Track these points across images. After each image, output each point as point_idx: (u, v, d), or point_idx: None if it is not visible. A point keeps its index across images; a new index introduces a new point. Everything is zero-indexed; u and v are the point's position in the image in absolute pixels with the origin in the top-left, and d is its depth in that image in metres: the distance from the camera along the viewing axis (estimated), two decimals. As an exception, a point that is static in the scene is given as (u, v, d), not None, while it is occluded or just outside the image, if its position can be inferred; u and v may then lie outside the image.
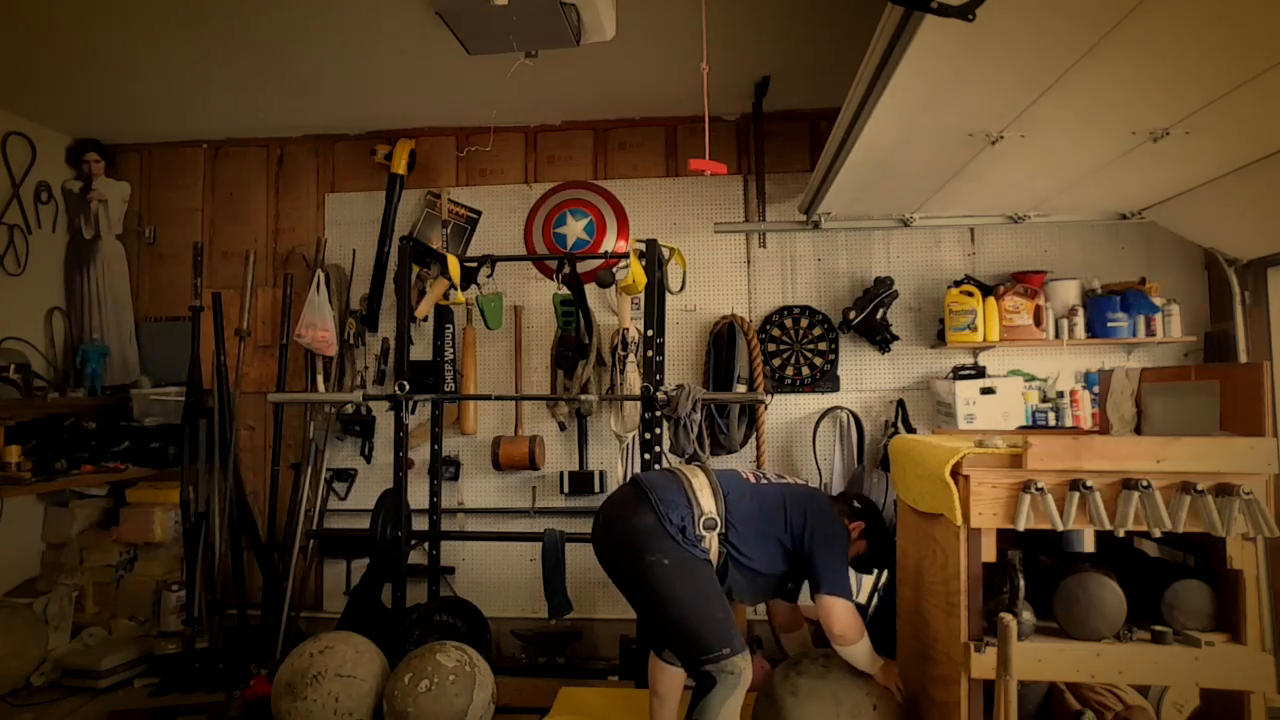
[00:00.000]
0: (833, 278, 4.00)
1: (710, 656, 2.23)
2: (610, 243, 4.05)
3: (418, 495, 3.86)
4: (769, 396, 3.87)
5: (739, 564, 2.38)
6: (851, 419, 3.86)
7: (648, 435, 3.20)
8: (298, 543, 3.96)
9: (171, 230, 4.39)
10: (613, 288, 3.58)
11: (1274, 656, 1.92)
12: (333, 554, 4.11)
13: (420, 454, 4.01)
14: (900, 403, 3.83)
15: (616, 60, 3.33)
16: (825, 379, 3.92)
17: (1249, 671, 1.93)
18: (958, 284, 3.70)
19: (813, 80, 3.61)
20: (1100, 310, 3.58)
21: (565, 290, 3.67)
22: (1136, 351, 3.73)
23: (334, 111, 4.02)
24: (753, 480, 2.52)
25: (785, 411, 3.97)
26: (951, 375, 3.67)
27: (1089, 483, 1.92)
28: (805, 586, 2.54)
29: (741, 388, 3.77)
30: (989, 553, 1.99)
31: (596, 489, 3.92)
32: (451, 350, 3.97)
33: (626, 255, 3.26)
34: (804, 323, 3.95)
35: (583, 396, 3.50)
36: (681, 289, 3.70)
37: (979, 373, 3.64)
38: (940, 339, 3.79)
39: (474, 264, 3.56)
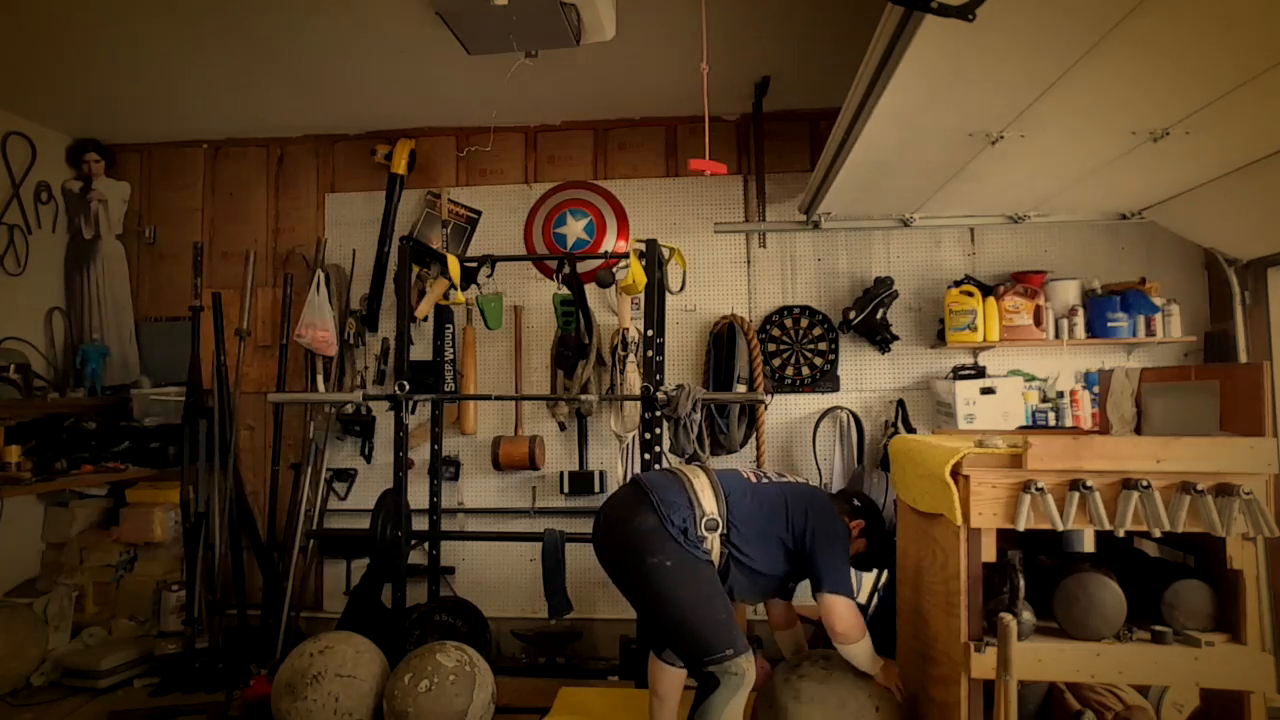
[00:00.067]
0: (833, 278, 4.00)
1: (714, 657, 2.23)
2: (610, 243, 4.05)
3: (418, 495, 3.86)
4: (769, 396, 3.88)
5: (741, 564, 2.38)
6: (851, 419, 3.86)
7: (648, 435, 3.20)
8: (298, 543, 3.96)
9: (171, 230, 4.39)
10: (613, 288, 3.58)
11: (1274, 656, 1.92)
12: (333, 554, 4.11)
13: (420, 454, 4.01)
14: (900, 403, 3.83)
15: (616, 60, 3.33)
16: (825, 379, 3.92)
17: (1249, 671, 1.93)
18: (958, 284, 3.70)
19: (813, 80, 3.61)
20: (1100, 310, 3.58)
21: (565, 290, 3.67)
22: (1136, 351, 3.73)
23: (334, 111, 4.02)
24: (753, 480, 2.51)
25: (785, 411, 3.97)
26: (951, 375, 3.67)
27: (1089, 483, 1.92)
28: (801, 585, 2.55)
29: (741, 388, 3.77)
30: (989, 553, 2.00)
31: (596, 489, 3.92)
32: (451, 350, 3.97)
33: (626, 255, 3.26)
34: (804, 323, 3.95)
35: (583, 396, 3.50)
36: (681, 289, 3.70)
37: (979, 373, 3.64)
38: (940, 339, 3.79)
39: (474, 264, 3.56)
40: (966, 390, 3.53)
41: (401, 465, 3.34)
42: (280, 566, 3.92)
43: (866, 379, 3.93)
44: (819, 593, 2.34)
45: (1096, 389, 3.44)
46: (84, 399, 4.04)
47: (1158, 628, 1.97)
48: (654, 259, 3.27)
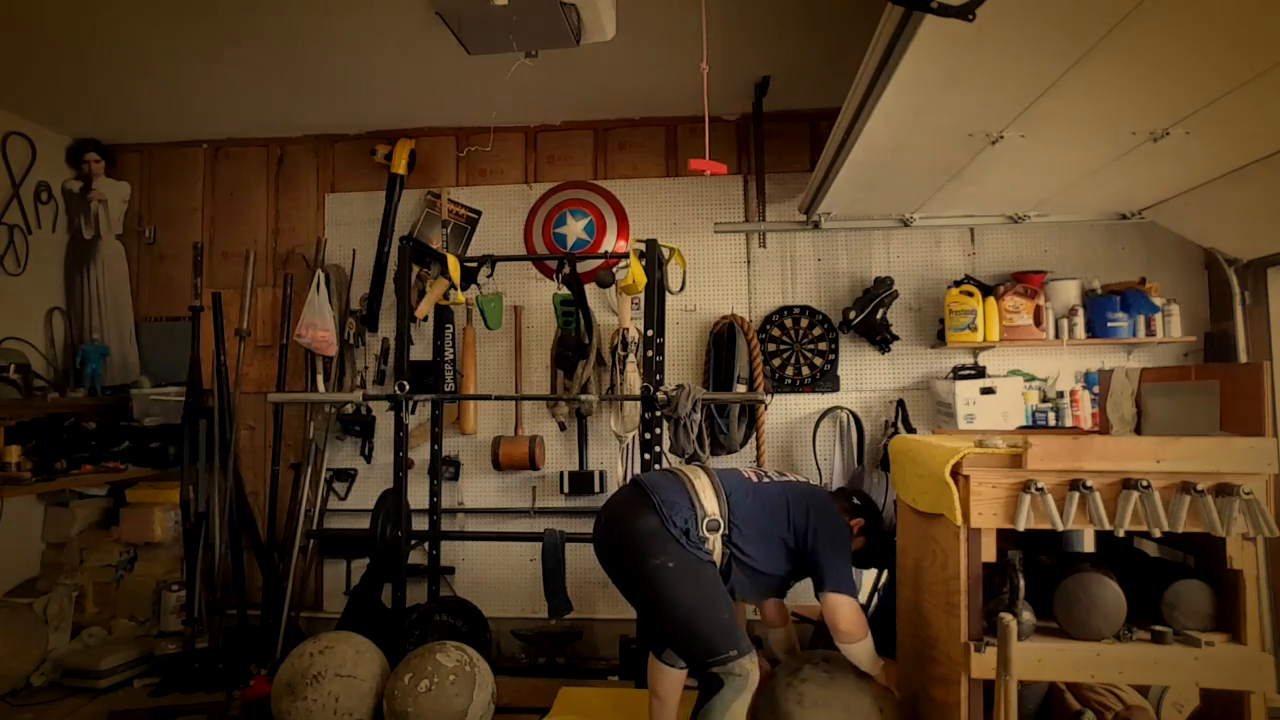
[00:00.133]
0: (833, 278, 4.00)
1: (717, 659, 2.22)
2: (610, 243, 4.05)
3: (418, 495, 3.86)
4: (769, 396, 3.88)
5: (742, 564, 2.38)
6: (851, 419, 3.86)
7: (648, 435, 3.20)
8: (298, 543, 3.96)
9: (171, 230, 4.39)
10: (613, 288, 3.58)
11: (1274, 656, 1.92)
12: (333, 554, 4.11)
13: (420, 454, 4.01)
14: (900, 403, 3.83)
15: (616, 60, 3.33)
16: (825, 379, 3.92)
17: (1249, 671, 1.93)
18: (958, 284, 3.70)
19: (813, 80, 3.61)
20: (1100, 310, 3.58)
21: (565, 290, 3.67)
22: (1136, 351, 3.73)
23: (334, 111, 4.02)
24: (754, 479, 2.51)
25: (785, 411, 3.97)
26: (951, 375, 3.67)
27: (1089, 483, 1.92)
28: (796, 584, 2.55)
29: (741, 388, 3.77)
30: (989, 553, 1.99)
31: (596, 489, 3.92)
32: (451, 350, 3.97)
33: (626, 255, 3.26)
34: (804, 323, 3.95)
35: (583, 396, 3.50)
36: (681, 289, 3.70)
37: (979, 373, 3.64)
38: (940, 339, 3.79)
39: (474, 264, 3.56)
40: (966, 390, 3.53)
41: (401, 465, 3.34)
42: (280, 566, 3.92)
43: (866, 379, 3.93)
44: (822, 592, 2.34)
45: (1096, 389, 3.44)
46: (84, 399, 4.04)
47: (1158, 628, 1.97)
48: (654, 259, 3.27)
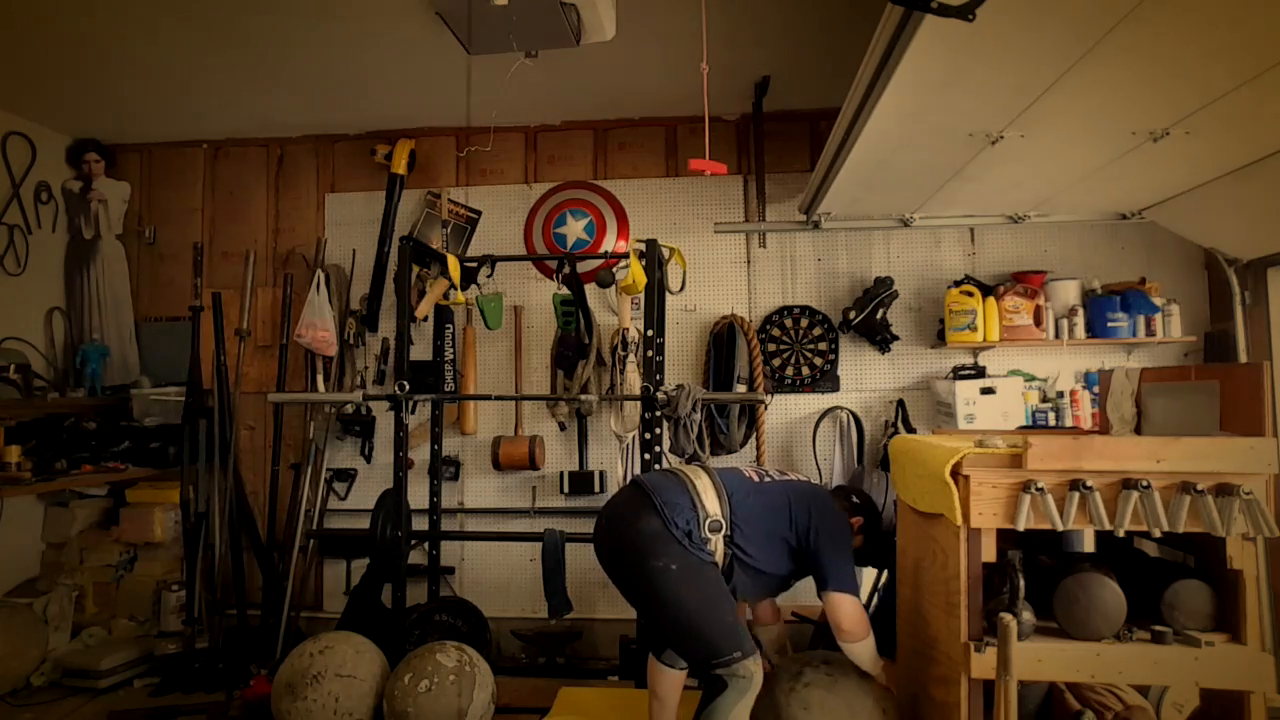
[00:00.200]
0: (833, 278, 4.00)
1: (721, 660, 2.22)
2: (610, 243, 4.05)
3: (418, 495, 3.86)
4: (769, 396, 3.88)
5: (745, 565, 2.37)
6: (851, 419, 3.86)
7: (648, 435, 3.20)
8: (298, 543, 3.96)
9: (171, 230, 4.39)
10: (613, 288, 3.58)
11: (1274, 656, 1.92)
12: (333, 554, 4.11)
13: (420, 454, 4.01)
14: (900, 403, 3.83)
15: (616, 60, 3.33)
16: (825, 379, 3.92)
17: (1249, 671, 1.93)
18: (958, 284, 3.70)
19: (813, 80, 3.61)
20: (1100, 310, 3.58)
21: (565, 290, 3.67)
22: (1136, 351, 3.73)
23: (334, 111, 4.02)
24: (755, 478, 2.50)
25: (785, 411, 3.97)
26: (951, 375, 3.67)
27: (1089, 483, 1.92)
28: (796, 583, 2.55)
29: (741, 388, 3.77)
30: (989, 553, 1.99)
31: (596, 489, 3.92)
32: (451, 350, 3.97)
33: (626, 255, 3.26)
34: (804, 323, 3.95)
35: (583, 396, 3.50)
36: (681, 289, 3.70)
37: (979, 373, 3.64)
38: (940, 339, 3.79)
39: (474, 264, 3.56)
40: (966, 390, 3.53)
41: (401, 465, 3.34)
42: (280, 566, 3.92)
43: (866, 379, 3.93)
44: (825, 591, 2.34)
45: (1096, 389, 3.44)
46: (84, 399, 4.04)
47: (1158, 628, 1.97)
48: (654, 259, 3.27)
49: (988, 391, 3.53)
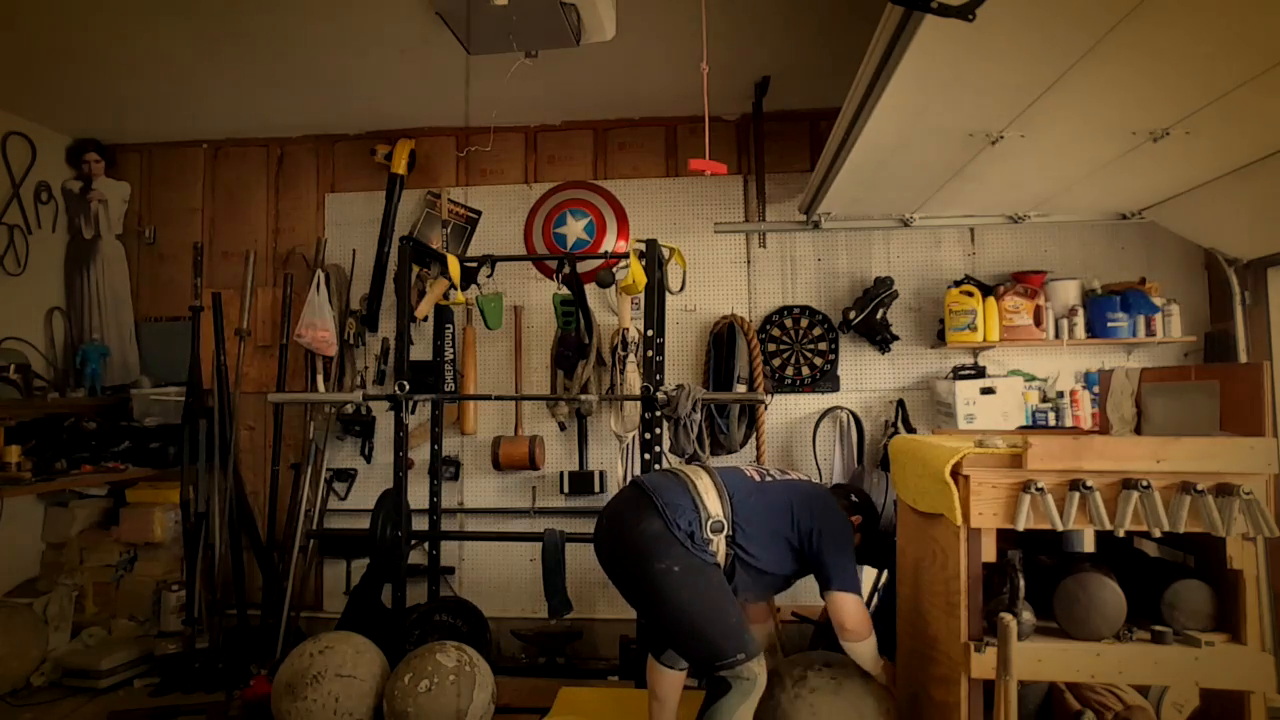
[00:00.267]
0: (833, 278, 4.00)
1: (725, 662, 2.21)
2: (610, 243, 4.05)
3: (418, 495, 3.86)
4: (769, 396, 3.87)
5: (747, 565, 2.36)
6: (851, 419, 3.86)
7: (648, 435, 3.20)
8: (298, 543, 3.96)
9: (171, 230, 4.39)
10: (613, 288, 3.58)
11: (1274, 656, 1.92)
12: (333, 554, 4.11)
13: (420, 454, 4.01)
14: (900, 403, 3.83)
15: (616, 60, 3.33)
16: (825, 379, 3.92)
17: (1249, 671, 1.92)
18: (958, 284, 3.70)
19: (813, 80, 3.61)
20: (1100, 310, 3.58)
21: (565, 290, 3.67)
22: (1136, 351, 3.73)
23: (334, 111, 4.02)
24: (756, 478, 2.49)
25: (785, 411, 3.97)
26: (951, 375, 3.67)
27: (1089, 483, 1.92)
28: (798, 583, 2.55)
29: (741, 388, 3.77)
30: (989, 553, 1.99)
31: (596, 489, 3.92)
32: (451, 350, 3.97)
33: (626, 255, 3.26)
34: (804, 323, 3.95)
35: (583, 396, 3.50)
36: (681, 289, 3.70)
37: (979, 373, 3.64)
38: (940, 339, 3.79)
39: (474, 264, 3.56)
40: (966, 390, 3.53)
41: (401, 465, 3.34)
42: (280, 566, 3.92)
43: (866, 379, 3.93)
44: (828, 591, 2.33)
45: (1096, 389, 3.44)
46: (84, 399, 4.04)
47: (1158, 628, 1.97)
48: (654, 259, 3.27)
49: (988, 391, 3.53)
